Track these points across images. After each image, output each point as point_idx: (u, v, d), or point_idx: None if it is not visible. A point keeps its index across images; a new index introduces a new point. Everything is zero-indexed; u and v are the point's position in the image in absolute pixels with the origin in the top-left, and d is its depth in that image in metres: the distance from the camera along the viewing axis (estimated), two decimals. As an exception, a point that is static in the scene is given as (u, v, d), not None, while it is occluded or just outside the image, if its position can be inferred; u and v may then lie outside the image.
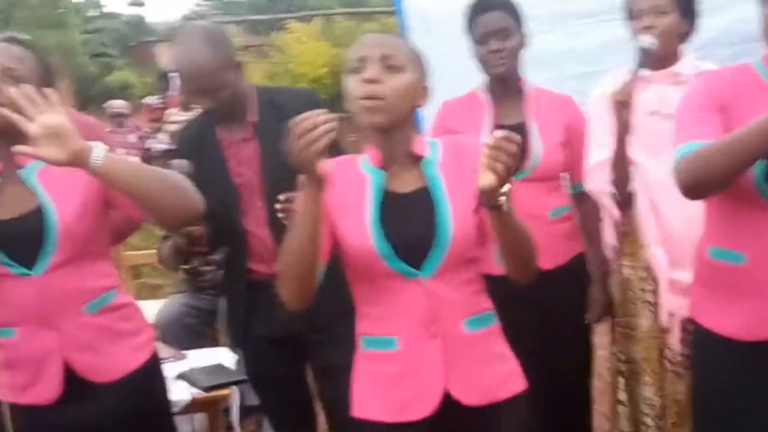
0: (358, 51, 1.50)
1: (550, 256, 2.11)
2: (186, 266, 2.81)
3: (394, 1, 3.45)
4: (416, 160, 1.56)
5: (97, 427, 1.77)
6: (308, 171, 1.34)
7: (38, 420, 1.77)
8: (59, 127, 1.49)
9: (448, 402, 1.53)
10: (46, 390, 1.74)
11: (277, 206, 1.79)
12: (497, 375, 1.60)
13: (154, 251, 2.62)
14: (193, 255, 2.41)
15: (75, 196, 1.72)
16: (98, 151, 1.53)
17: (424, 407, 1.53)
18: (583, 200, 2.32)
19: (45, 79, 1.69)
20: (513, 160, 1.34)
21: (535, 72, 2.41)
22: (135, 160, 1.74)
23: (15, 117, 1.49)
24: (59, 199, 1.71)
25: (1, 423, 1.87)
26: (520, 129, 2.12)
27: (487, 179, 1.33)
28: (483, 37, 2.21)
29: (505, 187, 1.37)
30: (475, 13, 2.25)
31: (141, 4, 17.66)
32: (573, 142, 2.26)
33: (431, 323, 1.54)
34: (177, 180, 1.68)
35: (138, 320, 1.89)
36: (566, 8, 3.04)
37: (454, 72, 2.45)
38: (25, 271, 1.69)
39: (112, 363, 1.79)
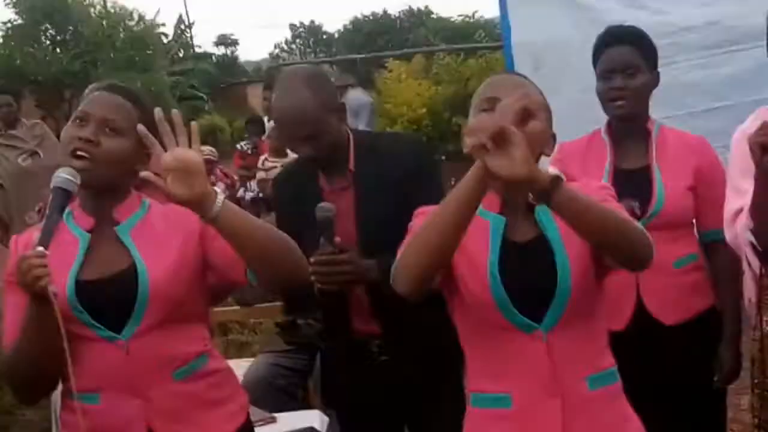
0: (491, 92, 1.46)
1: (674, 310, 2.03)
2: (281, 320, 2.73)
3: (503, 37, 3.34)
4: (531, 207, 1.48)
5: None
6: None
7: None
8: (193, 164, 1.41)
9: None
10: None
11: None
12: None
13: (240, 308, 2.61)
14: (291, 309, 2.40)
15: (169, 256, 1.61)
16: (220, 198, 1.45)
17: None
18: (715, 249, 2.12)
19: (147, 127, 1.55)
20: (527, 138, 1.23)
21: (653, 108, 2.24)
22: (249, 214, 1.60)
23: (152, 140, 1.43)
24: (152, 259, 1.60)
25: None
26: (643, 173, 2.05)
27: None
28: (606, 72, 2.10)
29: (545, 172, 1.27)
30: (601, 46, 2.15)
31: (231, 44, 17.47)
32: (703, 187, 2.10)
33: (550, 380, 1.45)
34: (289, 241, 1.56)
35: (231, 387, 1.76)
36: (687, 39, 2.84)
37: (563, 113, 2.29)
38: (113, 335, 1.58)
39: None
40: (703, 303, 2.14)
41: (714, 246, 2.11)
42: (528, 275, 1.44)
